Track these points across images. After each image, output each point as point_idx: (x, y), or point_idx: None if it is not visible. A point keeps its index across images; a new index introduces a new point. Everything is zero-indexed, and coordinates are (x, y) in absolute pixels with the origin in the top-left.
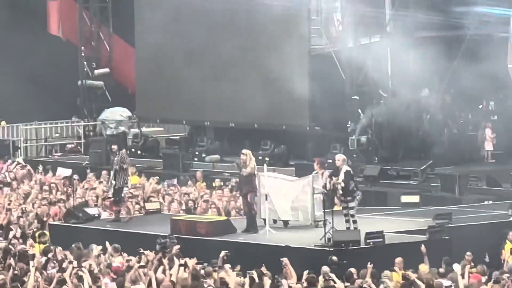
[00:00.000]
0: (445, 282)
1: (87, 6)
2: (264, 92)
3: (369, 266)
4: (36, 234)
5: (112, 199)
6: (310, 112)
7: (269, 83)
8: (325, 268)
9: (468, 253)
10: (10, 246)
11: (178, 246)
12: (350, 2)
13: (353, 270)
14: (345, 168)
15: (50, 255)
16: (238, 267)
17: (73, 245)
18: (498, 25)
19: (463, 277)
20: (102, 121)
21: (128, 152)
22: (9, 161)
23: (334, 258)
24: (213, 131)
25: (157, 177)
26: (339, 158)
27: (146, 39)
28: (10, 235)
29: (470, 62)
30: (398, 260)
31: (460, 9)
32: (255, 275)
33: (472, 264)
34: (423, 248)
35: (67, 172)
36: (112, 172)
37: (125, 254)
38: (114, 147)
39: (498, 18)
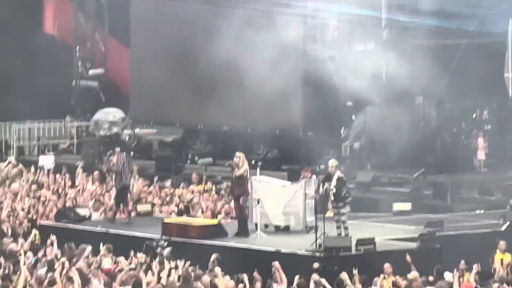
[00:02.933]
0: None
1: (83, 7)
2: (258, 96)
3: (355, 272)
4: (26, 233)
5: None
6: (303, 117)
7: (263, 88)
8: (315, 277)
9: (462, 261)
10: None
11: (169, 249)
12: (346, 8)
13: (344, 276)
14: (337, 174)
15: (40, 255)
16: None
17: (65, 245)
18: (494, 33)
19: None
20: (96, 121)
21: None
22: None
23: (316, 264)
24: (206, 134)
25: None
26: (332, 164)
27: (141, 41)
28: None
29: (465, 70)
30: (387, 266)
31: (457, 17)
32: (245, 279)
33: (465, 273)
34: (408, 257)
35: (50, 160)
36: (114, 174)
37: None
38: (117, 149)
39: (495, 26)
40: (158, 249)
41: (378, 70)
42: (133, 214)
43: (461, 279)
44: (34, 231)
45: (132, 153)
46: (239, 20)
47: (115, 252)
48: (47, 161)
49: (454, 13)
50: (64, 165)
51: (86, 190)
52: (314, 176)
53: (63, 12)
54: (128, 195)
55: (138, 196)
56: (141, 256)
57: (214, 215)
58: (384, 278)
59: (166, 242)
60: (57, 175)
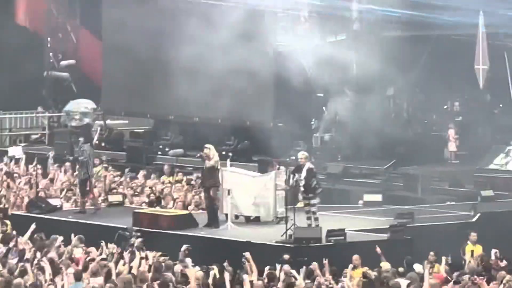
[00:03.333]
0: (404, 281)
1: None
2: (229, 87)
3: (325, 262)
4: None
5: (79, 190)
6: (274, 109)
7: (234, 79)
8: (285, 267)
9: (431, 253)
10: None
11: (141, 239)
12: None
13: (314, 267)
14: (307, 165)
15: (11, 245)
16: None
17: (35, 235)
18: (466, 25)
19: (423, 278)
20: (67, 112)
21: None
22: None
23: (286, 256)
24: (177, 125)
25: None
26: (302, 155)
27: (113, 32)
28: None
29: (436, 62)
30: (355, 257)
31: (428, 8)
32: (215, 270)
33: (434, 264)
34: (378, 249)
35: (19, 151)
36: (78, 164)
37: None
38: (81, 139)
39: (466, 18)
40: (132, 239)
41: (349, 61)
42: (104, 204)
43: (431, 270)
44: (5, 221)
45: (103, 143)
46: (211, 12)
47: (86, 242)
48: (16, 151)
49: (425, 5)
50: (36, 156)
51: (58, 180)
52: (282, 168)
53: (35, 3)
54: (90, 184)
55: (109, 187)
56: (112, 246)
57: (185, 206)
58: (353, 269)
59: (139, 232)
60: (29, 166)
